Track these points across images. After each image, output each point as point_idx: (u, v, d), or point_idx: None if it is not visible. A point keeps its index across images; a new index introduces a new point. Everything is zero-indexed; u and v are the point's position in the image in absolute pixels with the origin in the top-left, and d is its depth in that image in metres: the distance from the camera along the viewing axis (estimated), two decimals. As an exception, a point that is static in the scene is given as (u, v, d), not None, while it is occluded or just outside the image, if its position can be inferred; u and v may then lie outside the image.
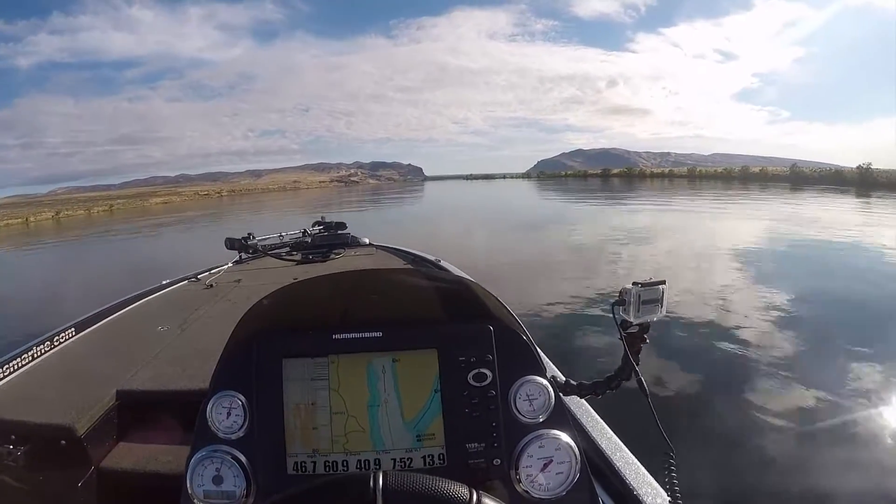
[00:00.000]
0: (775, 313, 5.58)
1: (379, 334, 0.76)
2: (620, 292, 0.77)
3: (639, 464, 0.98)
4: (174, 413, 1.39)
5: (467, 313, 0.82)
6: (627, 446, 1.04)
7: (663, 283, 0.76)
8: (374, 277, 0.98)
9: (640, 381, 0.79)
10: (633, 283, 0.76)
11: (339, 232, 3.57)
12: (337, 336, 0.77)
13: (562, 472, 0.72)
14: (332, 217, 3.87)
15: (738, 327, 5.15)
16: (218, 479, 0.71)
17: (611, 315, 0.79)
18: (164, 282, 2.83)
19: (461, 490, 0.52)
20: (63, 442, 1.25)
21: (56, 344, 1.84)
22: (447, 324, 0.80)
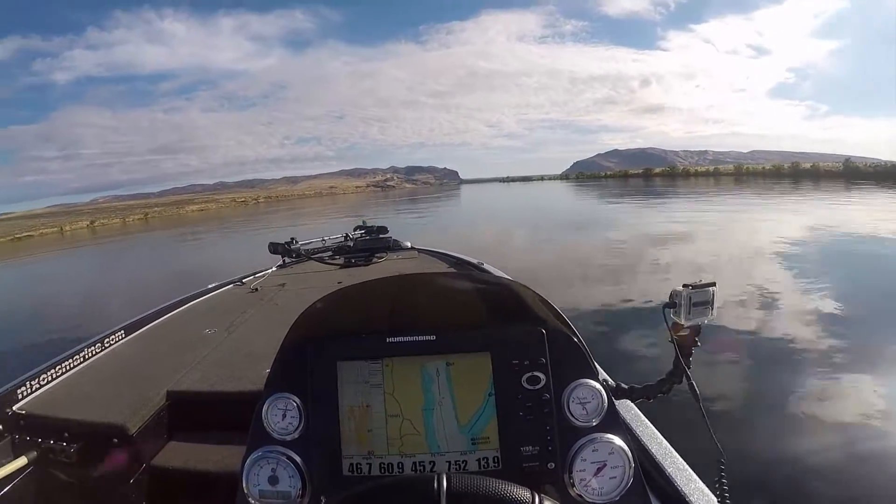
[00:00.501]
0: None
1: (433, 338, 0.76)
2: (671, 294, 0.77)
3: (689, 469, 0.96)
4: (222, 413, 1.40)
5: (520, 316, 0.82)
6: (677, 451, 1.01)
7: (713, 284, 0.75)
8: (427, 281, 1.00)
9: (691, 385, 0.78)
10: (684, 286, 0.75)
11: (381, 236, 3.57)
12: (391, 339, 0.77)
13: (615, 477, 0.71)
14: (373, 221, 3.91)
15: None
16: (273, 480, 0.73)
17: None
18: (209, 286, 2.86)
19: (523, 493, 0.53)
20: (115, 440, 1.29)
21: (107, 345, 1.87)
22: (500, 327, 0.80)
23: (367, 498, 0.55)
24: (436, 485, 0.51)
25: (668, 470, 0.94)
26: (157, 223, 68.23)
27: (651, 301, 5.87)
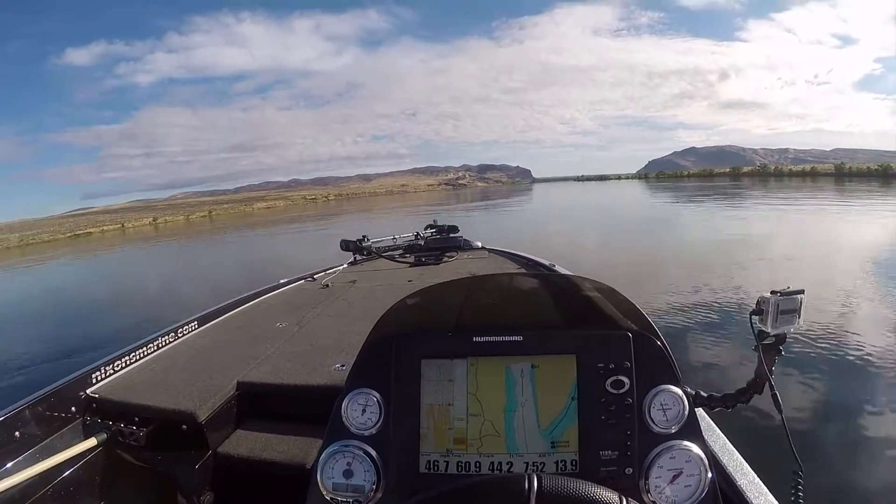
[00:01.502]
0: None
1: (519, 338, 0.76)
2: (758, 301, 0.75)
3: (761, 482, 0.94)
4: (291, 406, 1.45)
5: (605, 318, 0.82)
6: (749, 464, 0.99)
7: (802, 292, 0.72)
8: (507, 281, 0.99)
9: (774, 396, 0.76)
10: (772, 292, 0.73)
11: (452, 235, 3.56)
12: (478, 339, 0.76)
13: (690, 486, 0.70)
14: (443, 220, 3.87)
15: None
16: (348, 473, 0.72)
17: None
18: (281, 280, 2.91)
19: (612, 496, 0.53)
20: (184, 426, 1.32)
21: (180, 335, 1.93)
22: (586, 329, 0.79)
23: (456, 495, 0.56)
24: (526, 485, 0.52)
25: (740, 482, 0.93)
26: (222, 220, 68.49)
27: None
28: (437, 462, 0.73)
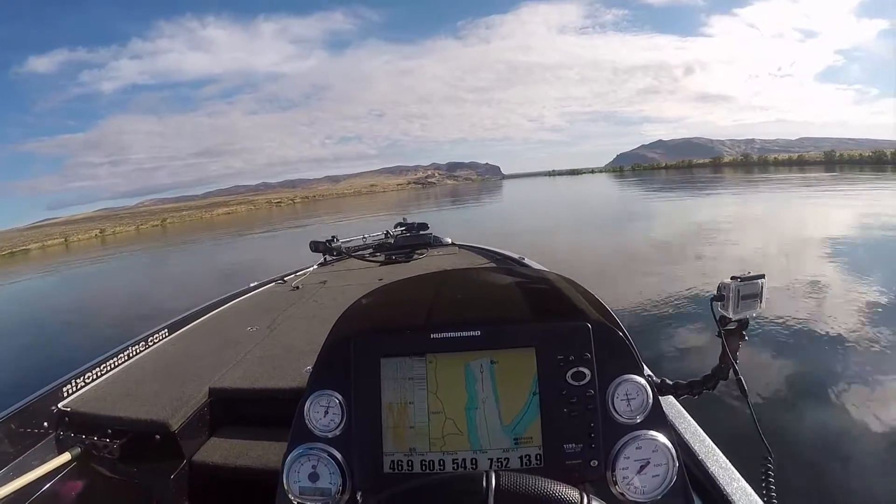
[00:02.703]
0: None
1: (477, 333, 0.75)
2: (718, 287, 0.75)
3: (733, 468, 0.95)
4: (264, 410, 1.45)
5: (564, 310, 0.82)
6: (721, 449, 1.00)
7: (762, 277, 0.73)
8: (470, 276, 0.99)
9: (739, 381, 0.76)
10: (732, 278, 0.73)
11: (422, 232, 3.57)
12: (435, 335, 0.75)
13: (658, 475, 0.69)
14: (413, 218, 3.97)
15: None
16: (314, 476, 0.72)
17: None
18: (251, 284, 2.87)
19: (572, 493, 0.52)
20: (157, 436, 1.33)
21: (150, 344, 1.92)
22: (545, 322, 0.78)
23: (415, 494, 0.55)
24: (484, 483, 0.51)
25: (711, 468, 0.93)
26: (175, 229, 63.42)
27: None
28: (401, 462, 0.72)
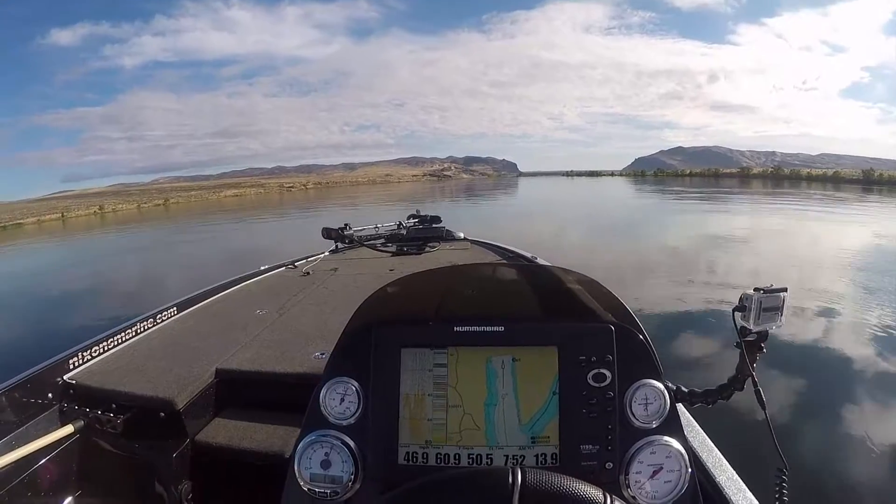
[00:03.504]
0: None
1: (500, 329, 0.74)
2: (741, 298, 0.75)
3: (740, 480, 0.94)
4: (270, 394, 1.44)
5: (588, 311, 0.81)
6: (728, 461, 0.99)
7: (785, 290, 0.73)
8: (492, 271, 0.99)
9: (758, 392, 0.76)
10: (755, 289, 0.74)
11: (434, 225, 3.57)
12: (459, 328, 0.75)
13: (670, 481, 0.69)
14: (427, 210, 3.88)
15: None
16: (326, 464, 0.71)
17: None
18: (261, 267, 2.84)
19: (596, 493, 0.52)
20: (162, 414, 1.31)
21: (159, 321, 1.89)
22: (569, 321, 0.78)
23: (442, 486, 0.54)
24: (510, 479, 0.50)
25: (719, 479, 0.92)
26: (178, 210, 60.00)
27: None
28: (416, 454, 0.71)
